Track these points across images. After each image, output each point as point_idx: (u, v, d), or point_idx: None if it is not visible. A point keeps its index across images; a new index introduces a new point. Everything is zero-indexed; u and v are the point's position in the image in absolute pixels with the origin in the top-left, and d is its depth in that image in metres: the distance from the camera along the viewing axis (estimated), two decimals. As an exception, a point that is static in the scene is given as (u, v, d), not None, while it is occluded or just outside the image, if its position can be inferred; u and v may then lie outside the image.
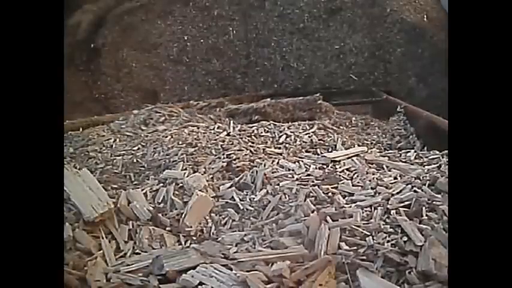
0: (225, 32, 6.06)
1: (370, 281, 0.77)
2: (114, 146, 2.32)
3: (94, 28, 6.08)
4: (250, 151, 1.86)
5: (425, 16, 5.75)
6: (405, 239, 0.88)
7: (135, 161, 1.94)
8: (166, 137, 2.18)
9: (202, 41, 6.06)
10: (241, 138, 2.08)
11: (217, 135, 2.14)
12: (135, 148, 2.13)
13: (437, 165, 1.33)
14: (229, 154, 1.75)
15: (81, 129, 2.76)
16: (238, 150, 1.82)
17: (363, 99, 4.61)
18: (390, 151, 1.81)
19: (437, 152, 1.57)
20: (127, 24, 6.12)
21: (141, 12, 6.16)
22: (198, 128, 2.33)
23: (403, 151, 1.71)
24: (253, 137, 2.14)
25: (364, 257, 0.83)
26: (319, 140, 2.18)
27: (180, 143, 2.03)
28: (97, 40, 6.01)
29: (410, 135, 2.57)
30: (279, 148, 1.99)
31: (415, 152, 1.64)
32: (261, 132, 2.19)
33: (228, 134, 2.15)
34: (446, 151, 1.54)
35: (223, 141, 2.01)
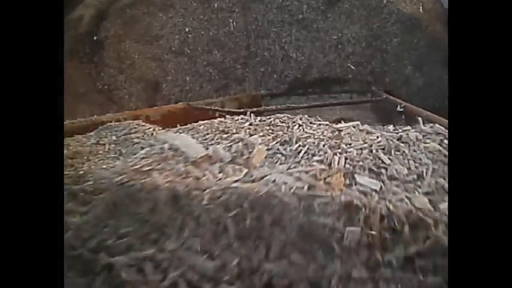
0: (226, 24, 6.53)
1: (363, 178, 1.69)
2: (154, 134, 2.87)
3: (96, 21, 6.59)
4: (272, 138, 2.32)
5: (421, 7, 6.23)
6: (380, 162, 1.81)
7: (176, 146, 2.35)
8: (200, 126, 2.67)
9: (203, 32, 6.51)
10: (262, 127, 2.57)
11: (242, 124, 2.66)
12: (175, 135, 2.51)
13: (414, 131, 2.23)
14: (256, 139, 2.35)
15: (113, 122, 3.16)
16: (261, 136, 2.31)
17: (363, 99, 5.09)
18: (377, 125, 2.70)
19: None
20: (129, 17, 6.60)
21: (142, 5, 6.61)
22: (225, 118, 2.86)
23: (385, 126, 2.59)
24: (271, 126, 2.63)
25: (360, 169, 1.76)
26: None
27: (214, 130, 2.51)
28: (100, 33, 6.52)
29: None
30: (293, 135, 2.74)
31: (393, 126, 2.53)
32: (277, 123, 2.69)
33: (251, 124, 2.68)
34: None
35: (249, 129, 2.51)
